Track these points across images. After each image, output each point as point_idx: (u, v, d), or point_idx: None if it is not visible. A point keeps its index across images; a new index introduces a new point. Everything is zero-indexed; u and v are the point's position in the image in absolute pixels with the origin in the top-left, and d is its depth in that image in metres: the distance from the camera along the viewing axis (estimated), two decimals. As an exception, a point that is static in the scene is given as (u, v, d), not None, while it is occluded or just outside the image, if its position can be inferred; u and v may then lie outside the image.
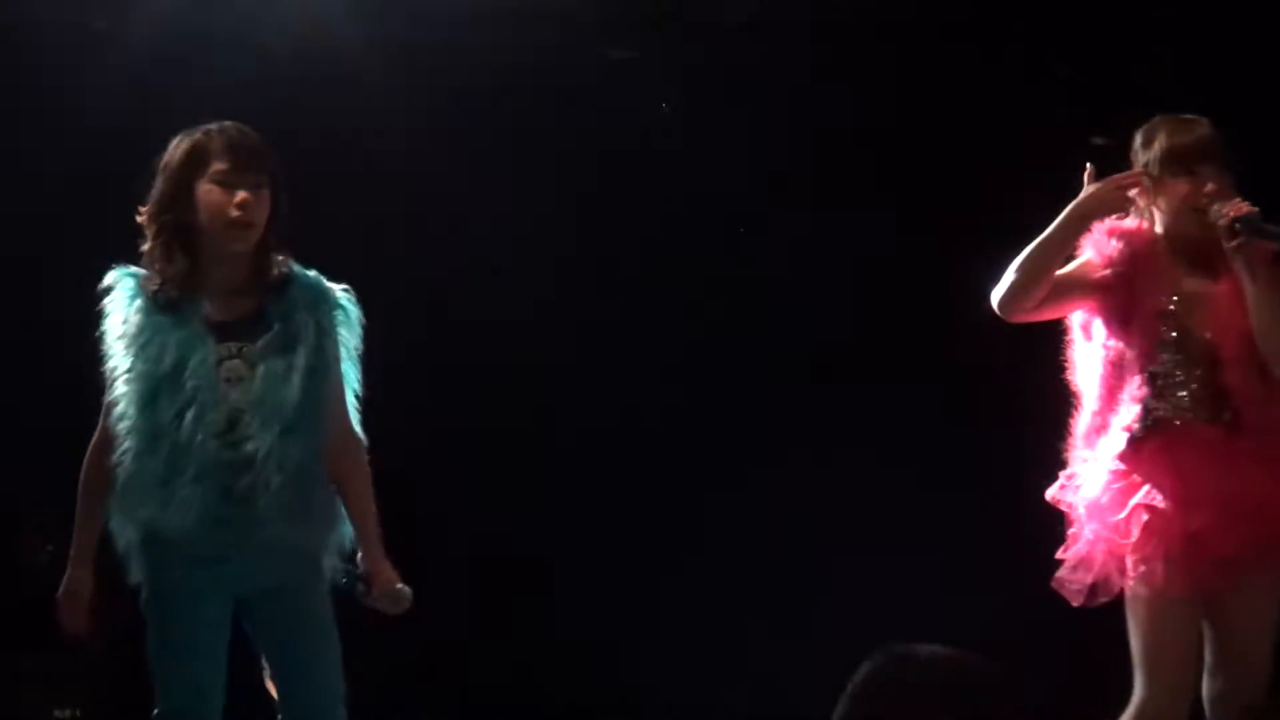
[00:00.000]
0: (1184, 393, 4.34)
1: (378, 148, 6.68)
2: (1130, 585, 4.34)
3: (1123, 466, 4.35)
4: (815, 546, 6.63)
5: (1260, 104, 6.13)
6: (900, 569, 6.34)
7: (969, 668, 2.96)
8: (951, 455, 6.60)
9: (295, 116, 5.94)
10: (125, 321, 4.25)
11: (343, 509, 4.35)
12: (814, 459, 6.74)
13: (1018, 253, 4.39)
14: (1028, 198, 4.67)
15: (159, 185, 4.28)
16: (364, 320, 4.41)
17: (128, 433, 4.21)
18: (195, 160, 4.25)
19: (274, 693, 4.42)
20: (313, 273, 4.37)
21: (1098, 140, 5.37)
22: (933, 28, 6.65)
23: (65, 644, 4.48)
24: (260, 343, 4.24)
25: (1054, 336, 4.56)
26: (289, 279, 4.29)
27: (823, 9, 6.62)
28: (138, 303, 4.27)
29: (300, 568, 4.29)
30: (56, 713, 6.18)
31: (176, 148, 4.30)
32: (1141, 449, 4.32)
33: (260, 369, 4.22)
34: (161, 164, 4.30)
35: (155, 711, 4.28)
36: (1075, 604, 4.42)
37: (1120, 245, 4.42)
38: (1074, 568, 4.41)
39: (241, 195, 4.22)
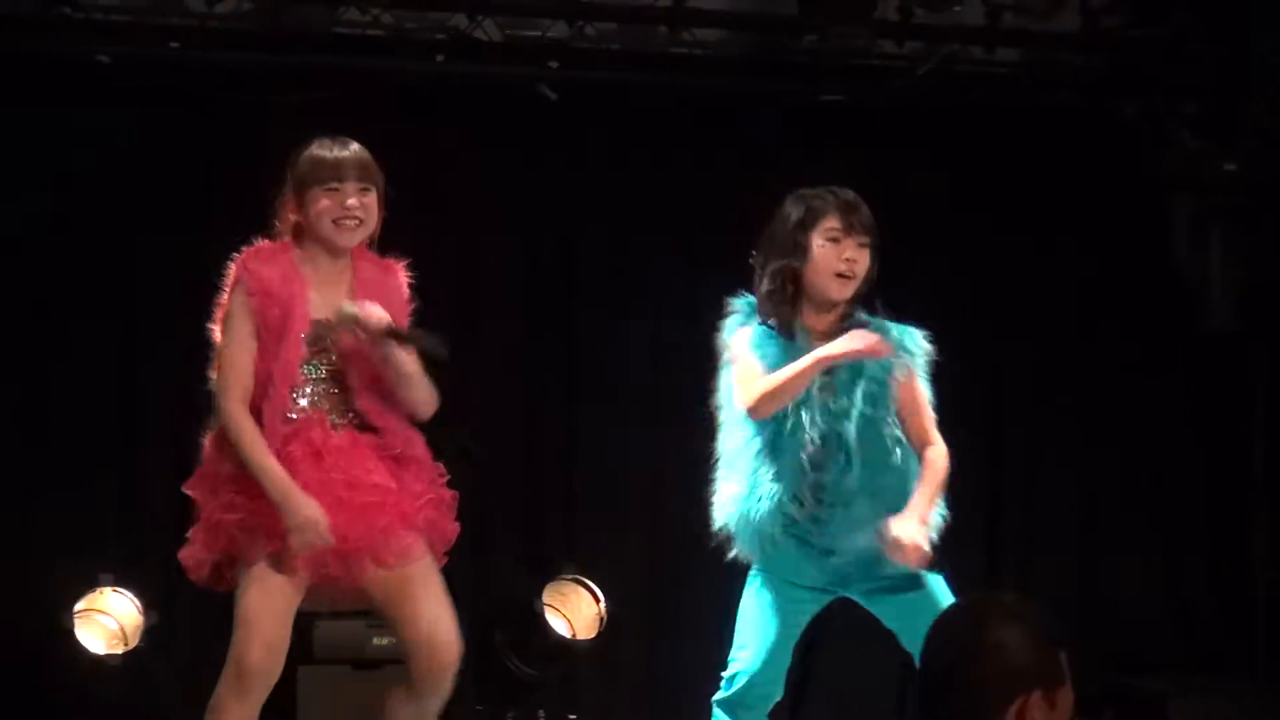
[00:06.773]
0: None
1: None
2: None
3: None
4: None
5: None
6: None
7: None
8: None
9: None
10: (751, 341, 4.71)
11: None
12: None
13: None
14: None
15: (779, 236, 4.74)
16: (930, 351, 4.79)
17: (731, 424, 4.74)
18: (811, 218, 4.73)
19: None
20: (879, 319, 4.77)
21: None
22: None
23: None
24: (841, 378, 4.67)
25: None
26: (860, 324, 4.71)
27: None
28: (758, 329, 4.74)
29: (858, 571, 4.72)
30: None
31: (795, 206, 4.76)
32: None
33: (844, 401, 4.66)
34: (781, 219, 4.76)
35: (727, 671, 4.78)
36: (194, 579, 4.55)
37: None
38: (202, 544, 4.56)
39: (848, 252, 4.70)
